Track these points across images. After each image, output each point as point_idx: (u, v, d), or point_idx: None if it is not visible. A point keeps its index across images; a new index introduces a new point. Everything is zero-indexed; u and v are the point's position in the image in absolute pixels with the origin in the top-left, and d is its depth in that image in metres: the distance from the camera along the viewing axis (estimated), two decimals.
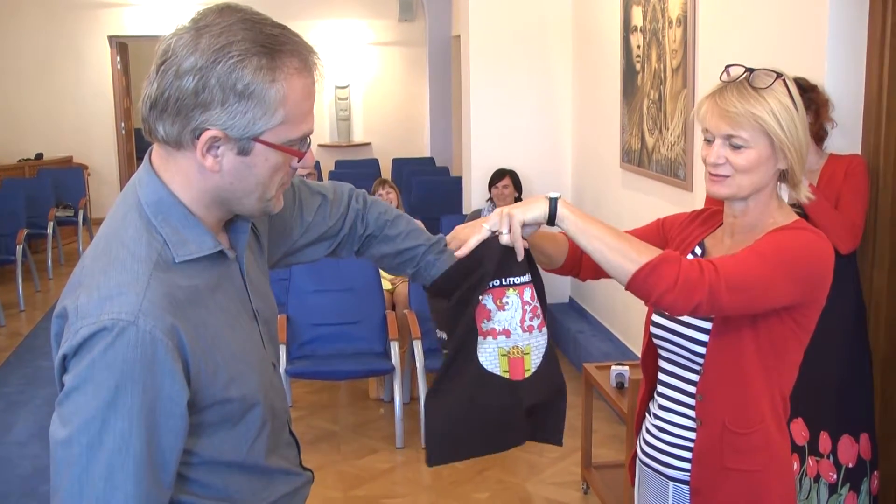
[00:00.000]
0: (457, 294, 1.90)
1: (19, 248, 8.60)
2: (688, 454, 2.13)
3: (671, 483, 2.17)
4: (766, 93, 1.97)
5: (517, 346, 1.90)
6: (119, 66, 13.21)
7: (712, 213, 2.24)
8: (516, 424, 1.96)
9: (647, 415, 2.29)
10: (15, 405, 5.98)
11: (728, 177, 2.03)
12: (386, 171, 11.83)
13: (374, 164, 12.03)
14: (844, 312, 3.52)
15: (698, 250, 2.18)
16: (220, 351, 1.53)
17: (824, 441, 3.53)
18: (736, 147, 2.00)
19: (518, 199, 6.99)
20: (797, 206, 3.40)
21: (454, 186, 8.63)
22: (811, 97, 3.47)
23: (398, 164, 11.63)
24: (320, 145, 13.24)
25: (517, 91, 7.37)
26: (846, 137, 3.70)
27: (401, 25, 13.25)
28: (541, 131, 7.41)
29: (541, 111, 7.41)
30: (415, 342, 5.40)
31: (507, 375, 1.91)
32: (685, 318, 2.09)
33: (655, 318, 2.18)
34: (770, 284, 1.92)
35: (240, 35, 1.45)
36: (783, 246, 1.95)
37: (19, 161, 12.07)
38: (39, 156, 12.29)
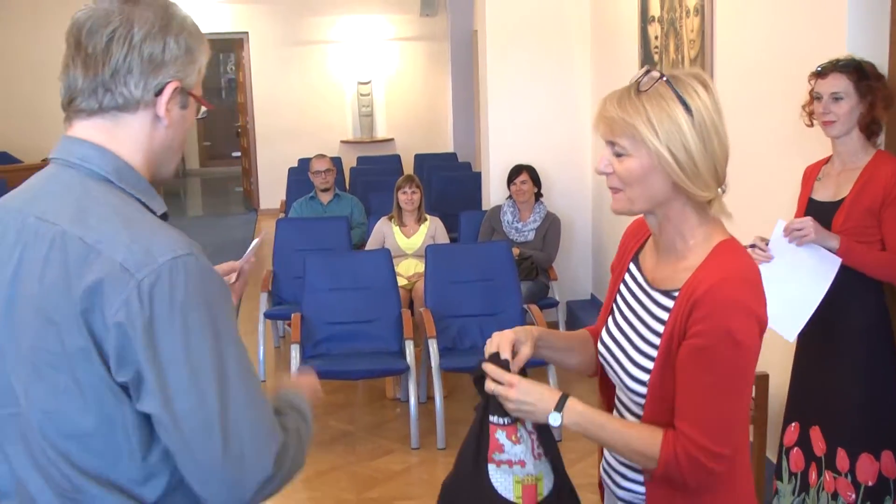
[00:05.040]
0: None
1: None
2: (636, 476, 1.97)
3: (619, 503, 2.04)
4: (646, 97, 1.77)
5: (531, 474, 1.96)
6: None
7: (641, 220, 2.04)
8: None
9: None
10: None
11: (620, 190, 1.85)
12: (408, 167, 11.73)
13: (396, 159, 11.94)
14: (867, 324, 3.34)
15: (634, 269, 2.02)
16: None
17: (841, 458, 3.35)
18: (618, 155, 1.82)
19: (538, 195, 6.87)
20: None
21: (474, 182, 8.54)
22: (870, 85, 3.26)
23: (420, 159, 11.53)
24: (343, 142, 13.20)
25: (535, 85, 7.25)
26: None
27: (422, 20, 13.16)
28: (560, 125, 7.29)
29: (560, 105, 7.28)
30: (430, 341, 5.31)
31: (520, 502, 1.96)
32: (627, 348, 1.95)
33: (603, 336, 2.04)
34: (739, 404, 1.82)
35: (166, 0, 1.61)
36: (719, 361, 1.75)
37: (43, 160, 12.03)
38: None
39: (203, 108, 1.69)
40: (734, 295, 1.75)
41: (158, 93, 1.58)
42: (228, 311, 1.52)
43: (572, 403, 1.87)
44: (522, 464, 1.95)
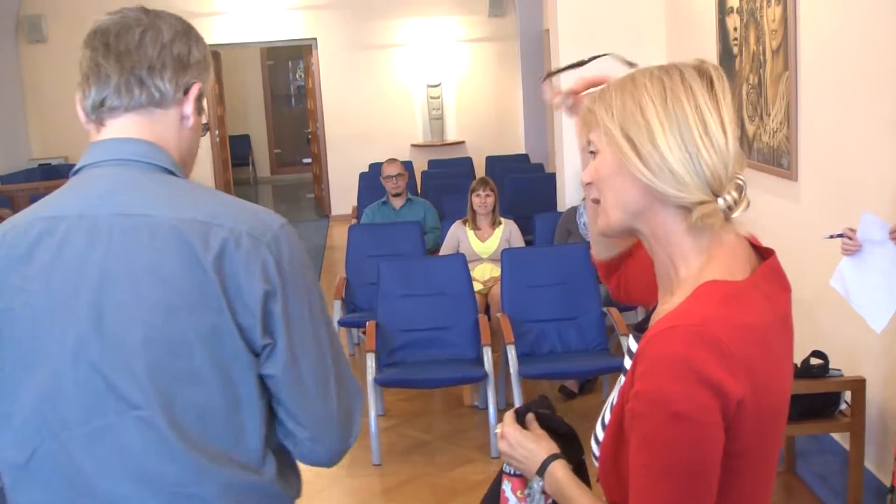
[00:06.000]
0: None
1: None
2: None
3: None
4: (615, 81, 1.49)
5: None
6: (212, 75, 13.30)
7: None
8: None
9: None
10: None
11: (599, 201, 1.49)
12: (480, 170, 11.62)
13: (467, 162, 11.85)
14: None
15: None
16: None
17: None
18: (594, 155, 1.50)
19: None
20: None
21: (547, 184, 8.39)
22: None
23: (491, 161, 11.41)
24: (413, 145, 13.13)
25: None
26: None
27: (491, 21, 13.04)
28: None
29: None
30: (508, 347, 5.19)
31: None
32: (609, 397, 1.63)
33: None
34: (691, 496, 1.35)
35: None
36: (655, 436, 1.35)
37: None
38: None
39: (206, 123, 1.78)
40: (678, 351, 1.33)
41: (185, 92, 1.64)
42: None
43: (553, 469, 1.60)
44: None
